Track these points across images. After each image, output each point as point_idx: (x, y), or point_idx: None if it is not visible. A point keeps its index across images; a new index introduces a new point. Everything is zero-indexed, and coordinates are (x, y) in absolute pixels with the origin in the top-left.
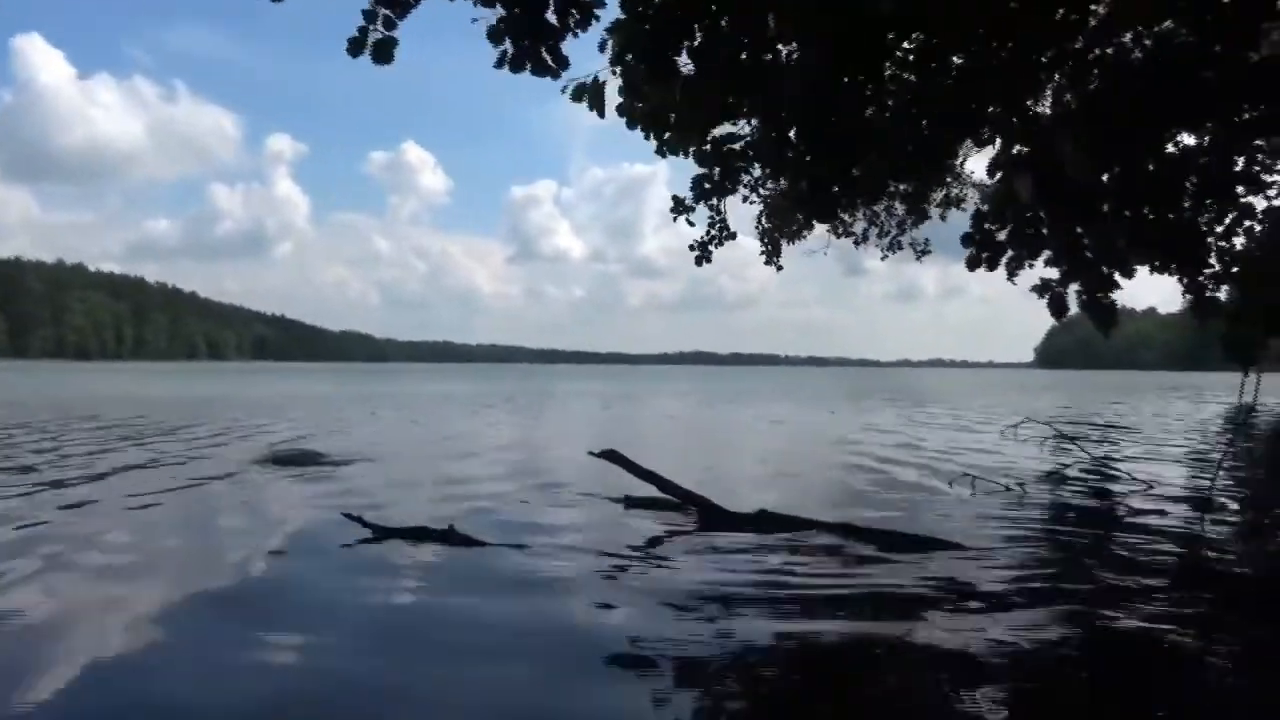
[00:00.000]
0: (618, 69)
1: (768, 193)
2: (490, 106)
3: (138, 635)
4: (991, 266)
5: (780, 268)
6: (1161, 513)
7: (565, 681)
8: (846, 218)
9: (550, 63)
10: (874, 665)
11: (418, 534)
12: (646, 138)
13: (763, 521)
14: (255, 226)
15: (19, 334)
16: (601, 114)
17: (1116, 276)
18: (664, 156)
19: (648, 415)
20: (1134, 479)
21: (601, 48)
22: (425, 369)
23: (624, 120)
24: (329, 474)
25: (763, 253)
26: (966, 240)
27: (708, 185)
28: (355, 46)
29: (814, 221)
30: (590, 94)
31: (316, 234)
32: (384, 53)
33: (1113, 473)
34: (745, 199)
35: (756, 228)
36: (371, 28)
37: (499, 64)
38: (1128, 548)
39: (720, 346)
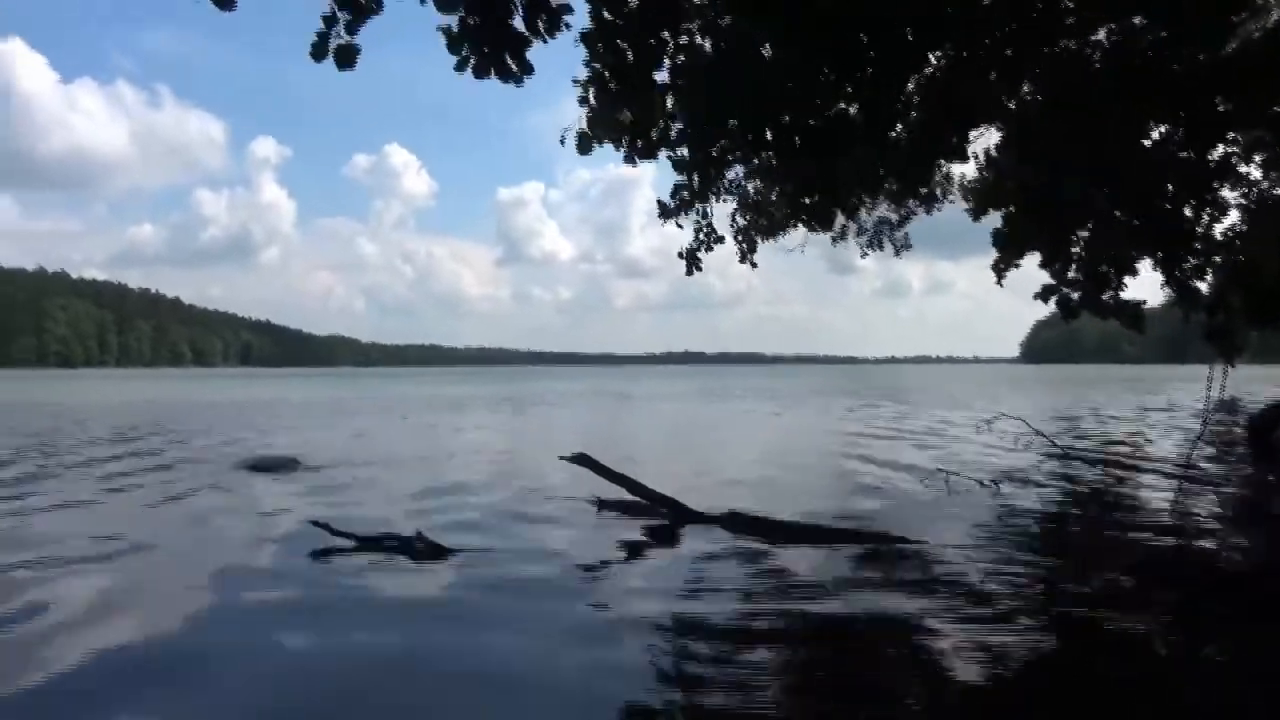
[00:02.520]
0: (591, 90)
1: (742, 190)
2: (475, 108)
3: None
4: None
5: (755, 265)
6: (1134, 506)
7: (520, 688)
8: (844, 221)
9: (515, 69)
10: (843, 664)
11: (384, 540)
12: (618, 148)
13: (733, 522)
14: (241, 232)
15: (1, 343)
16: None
17: (1119, 275)
18: (634, 164)
19: (631, 415)
20: (1108, 472)
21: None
22: (410, 373)
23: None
24: (304, 479)
25: (738, 251)
26: (996, 238)
27: (687, 193)
28: (317, 52)
29: (813, 227)
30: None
31: (302, 239)
32: (346, 58)
33: (1087, 466)
34: (719, 197)
35: (731, 225)
36: (333, 33)
37: (460, 68)
38: (1099, 541)
39: (708, 346)
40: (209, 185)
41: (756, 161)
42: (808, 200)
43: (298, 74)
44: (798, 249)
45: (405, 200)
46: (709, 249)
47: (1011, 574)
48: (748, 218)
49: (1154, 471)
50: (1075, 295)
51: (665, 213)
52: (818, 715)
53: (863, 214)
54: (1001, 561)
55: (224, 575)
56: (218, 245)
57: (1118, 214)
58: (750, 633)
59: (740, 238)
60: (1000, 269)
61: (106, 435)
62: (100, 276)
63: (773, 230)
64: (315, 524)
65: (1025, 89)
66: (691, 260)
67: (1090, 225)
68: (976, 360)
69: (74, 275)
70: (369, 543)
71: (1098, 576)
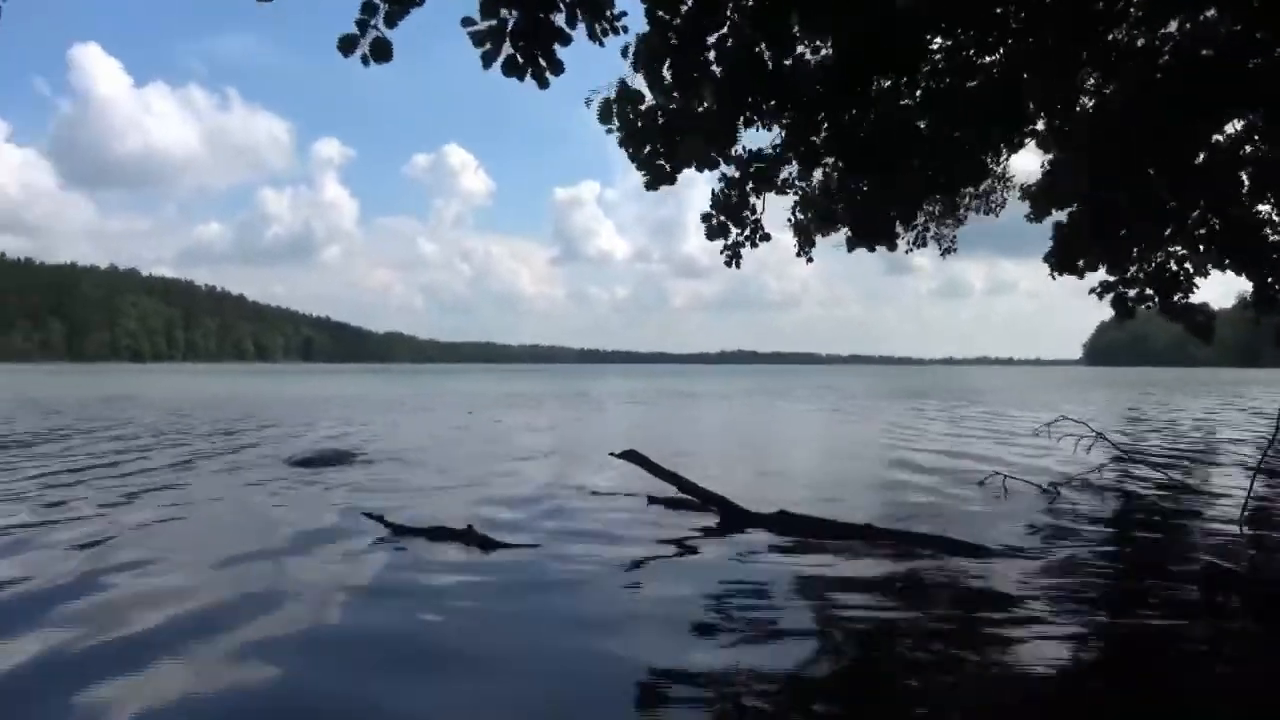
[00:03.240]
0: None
1: (802, 186)
2: (532, 108)
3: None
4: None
5: (811, 259)
6: (1198, 514)
7: (567, 686)
8: (902, 234)
9: (547, 69)
10: (888, 669)
11: (436, 533)
12: (658, 156)
13: (782, 522)
14: (303, 230)
15: (75, 337)
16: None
17: (1188, 277)
18: (653, 189)
19: (699, 414)
20: (1172, 480)
21: (625, 52)
22: (469, 369)
23: (628, 153)
24: (360, 472)
25: (796, 244)
26: (1055, 241)
27: (734, 199)
28: (346, 45)
29: (872, 246)
30: (617, 109)
31: (363, 237)
32: (382, 51)
33: (1150, 473)
34: (779, 192)
35: (789, 221)
36: (371, 24)
37: (487, 65)
38: (1160, 552)
39: (761, 345)
40: (274, 184)
41: (817, 172)
42: (867, 219)
43: (361, 76)
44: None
45: (463, 199)
46: (754, 245)
47: (1069, 581)
48: (808, 214)
49: (1223, 478)
50: (1133, 293)
51: (713, 233)
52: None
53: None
54: (1058, 568)
55: (288, 559)
56: (281, 243)
57: (1188, 215)
58: (792, 634)
59: (798, 233)
60: (1059, 268)
61: (211, 428)
62: (169, 274)
63: (831, 225)
64: (369, 516)
65: (1089, 83)
66: (734, 253)
67: (1159, 226)
68: (1038, 362)
69: (144, 273)
70: (421, 534)
71: (1161, 586)
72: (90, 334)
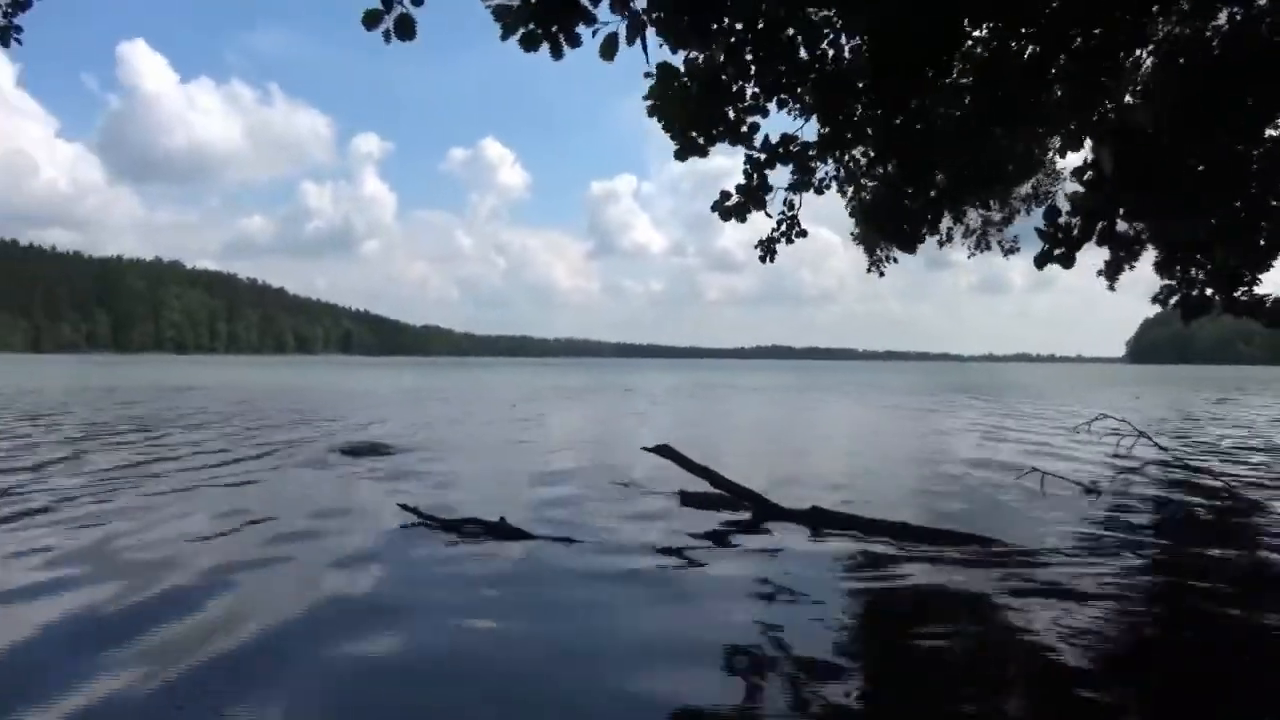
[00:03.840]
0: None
1: (851, 193)
2: (568, 102)
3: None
4: (1067, 263)
5: (883, 274)
6: (1246, 513)
7: (600, 678)
8: (921, 237)
9: (564, 41)
10: (924, 670)
11: (469, 525)
12: (674, 136)
13: (815, 518)
14: (344, 224)
15: (121, 329)
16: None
17: (1253, 270)
18: (682, 159)
19: (723, 408)
20: (1215, 479)
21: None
22: (509, 362)
23: (659, 121)
24: (396, 464)
25: (869, 264)
26: (1040, 235)
27: (755, 181)
28: (370, 19)
29: (898, 249)
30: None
31: (401, 231)
32: (406, 28)
33: (1192, 473)
34: (818, 194)
35: (853, 236)
36: (397, 1)
37: (505, 37)
38: (1204, 556)
39: (796, 340)
40: (315, 178)
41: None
42: (895, 219)
43: (400, 71)
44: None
45: (500, 193)
46: (789, 241)
47: (1107, 583)
48: (866, 225)
49: (1270, 477)
50: (1195, 293)
51: (726, 213)
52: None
53: (970, 214)
54: (1097, 569)
55: (320, 545)
56: (322, 237)
57: (1236, 213)
58: (819, 632)
59: (868, 249)
60: (1112, 271)
61: (286, 418)
62: (213, 267)
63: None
64: (404, 507)
65: (1141, 73)
66: (767, 249)
67: (1216, 220)
68: (1080, 359)
69: (188, 265)
70: (454, 525)
71: (1203, 591)
72: (135, 326)
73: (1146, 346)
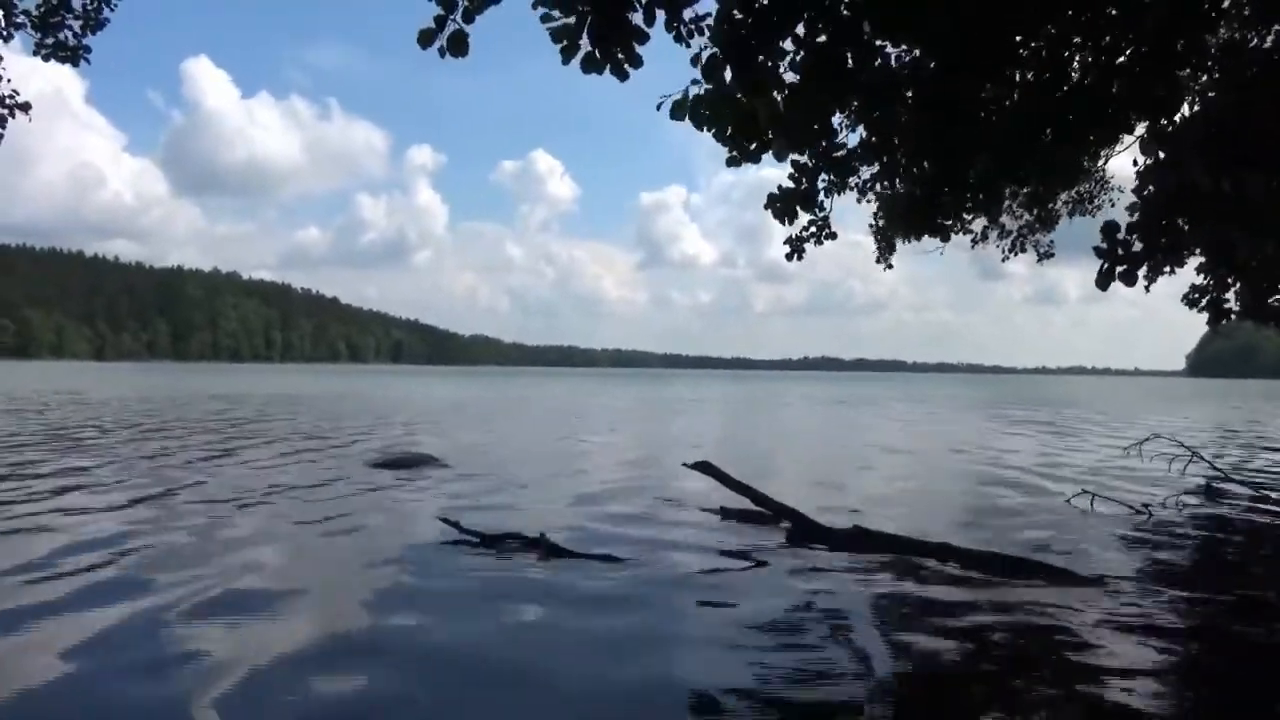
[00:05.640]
0: (707, 76)
1: (885, 190)
2: (618, 113)
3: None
4: (1129, 281)
5: (890, 266)
6: None
7: (628, 702)
8: (953, 226)
9: (626, 64)
10: (963, 699)
11: (509, 540)
12: (730, 149)
13: (857, 538)
14: (397, 235)
15: (180, 338)
16: (701, 128)
17: None
18: (737, 165)
19: (768, 421)
20: (1273, 503)
21: (694, 62)
22: (559, 373)
23: (711, 132)
24: (440, 476)
25: (875, 251)
26: (1098, 253)
27: (804, 184)
28: (425, 39)
29: (921, 234)
30: (690, 109)
31: (452, 242)
32: (459, 45)
33: (1250, 496)
34: (860, 199)
35: (870, 227)
36: (450, 17)
37: (566, 61)
38: (1262, 584)
39: (845, 352)
40: (369, 190)
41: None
42: (923, 204)
43: (453, 85)
44: (935, 250)
45: (549, 204)
46: (818, 242)
47: (1158, 612)
48: (888, 219)
49: None
50: (1231, 298)
51: (779, 213)
52: None
53: (1005, 217)
54: (1148, 598)
55: (360, 559)
56: (375, 247)
57: None
58: (858, 657)
59: (879, 238)
60: (1151, 276)
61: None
62: (269, 277)
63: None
64: (445, 522)
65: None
66: (795, 248)
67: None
68: (1137, 373)
69: (245, 276)
70: (494, 541)
71: (1260, 618)
72: (194, 335)
73: (1208, 359)
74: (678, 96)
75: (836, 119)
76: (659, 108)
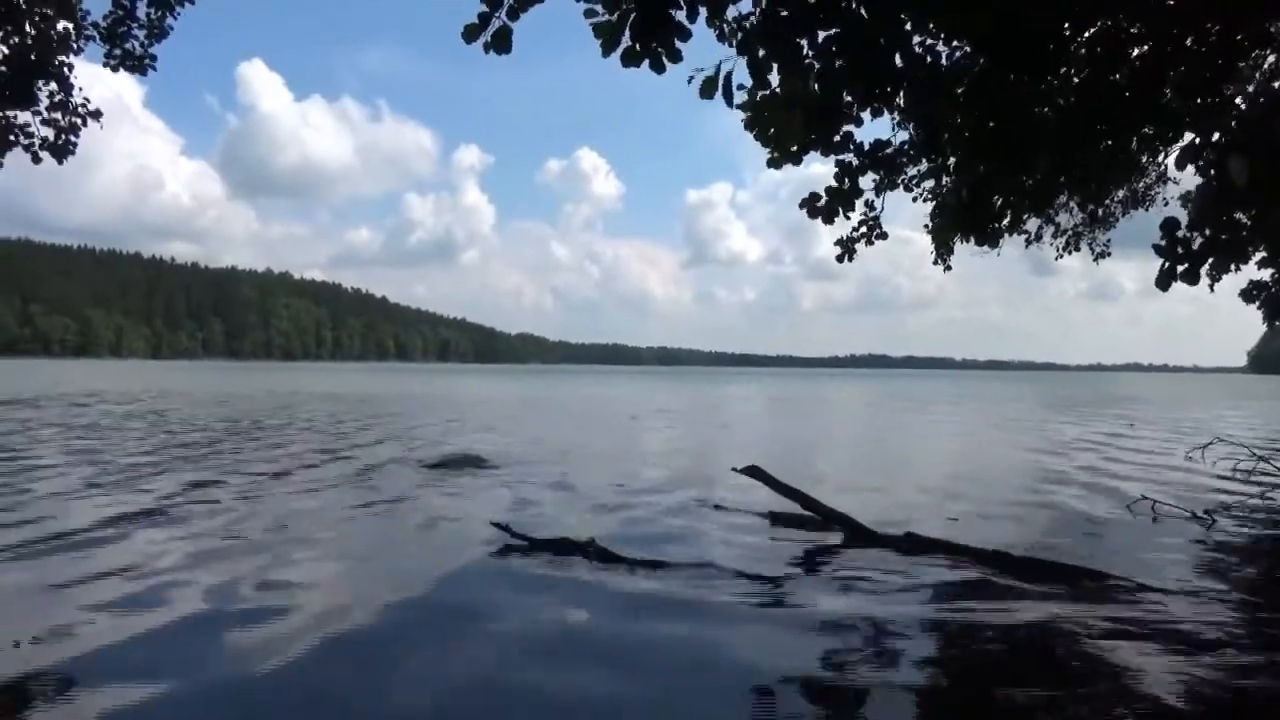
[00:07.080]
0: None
1: (941, 188)
2: (663, 111)
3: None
4: (1192, 280)
5: (949, 268)
6: None
7: (677, 709)
8: (1007, 229)
9: (666, 58)
10: (1021, 706)
11: (559, 545)
12: (767, 144)
13: (909, 544)
14: (445, 235)
15: (233, 337)
16: (731, 104)
17: None
18: (777, 166)
19: (817, 421)
20: None
21: (722, 38)
22: (610, 370)
23: (751, 130)
24: (492, 479)
25: (933, 253)
26: (1158, 252)
27: (847, 185)
28: (470, 34)
29: (971, 239)
30: (723, 86)
31: (498, 241)
32: (503, 41)
33: None
34: (914, 198)
35: (925, 227)
36: (495, 15)
37: (606, 54)
38: None
39: (893, 349)
40: (418, 190)
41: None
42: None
43: (500, 85)
44: (991, 251)
45: (594, 203)
46: (869, 242)
47: (1224, 622)
48: (945, 219)
49: None
50: None
51: (816, 212)
52: None
53: (1062, 216)
54: (1210, 609)
55: (411, 563)
56: (424, 247)
57: None
58: (909, 666)
59: (936, 238)
60: (1215, 274)
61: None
62: (320, 277)
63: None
64: (496, 525)
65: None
66: (846, 249)
67: None
68: (1196, 369)
69: (297, 276)
70: (545, 546)
71: None
72: (247, 334)
73: (1272, 355)
74: (710, 72)
75: (885, 118)
76: (690, 81)
